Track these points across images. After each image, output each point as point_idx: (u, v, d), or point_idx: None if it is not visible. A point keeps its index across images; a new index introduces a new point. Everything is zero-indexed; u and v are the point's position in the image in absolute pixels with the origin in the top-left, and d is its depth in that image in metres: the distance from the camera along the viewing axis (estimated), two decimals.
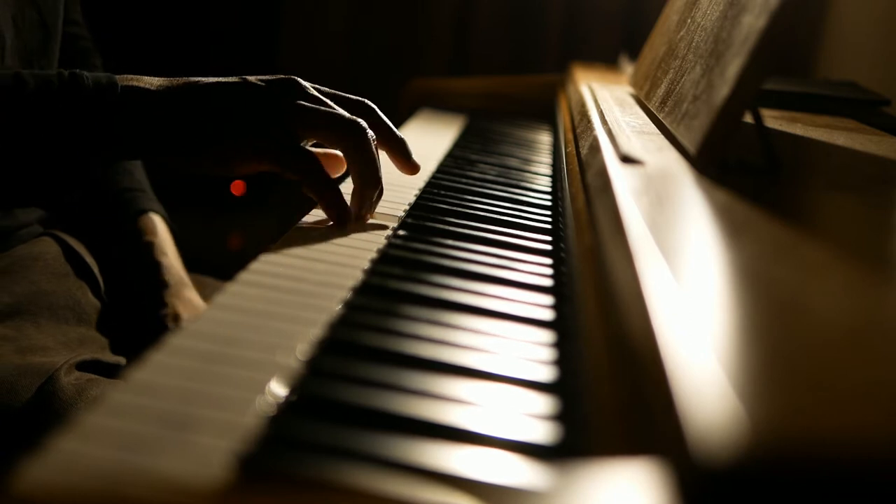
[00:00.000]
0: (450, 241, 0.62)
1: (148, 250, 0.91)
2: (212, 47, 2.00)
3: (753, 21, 0.55)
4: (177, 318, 0.86)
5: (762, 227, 0.46)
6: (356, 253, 0.58)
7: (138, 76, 0.62)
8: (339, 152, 0.66)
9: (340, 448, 0.34)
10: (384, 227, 0.64)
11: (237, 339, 0.42)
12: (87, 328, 0.80)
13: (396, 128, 0.69)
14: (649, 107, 0.81)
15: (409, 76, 1.48)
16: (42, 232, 0.85)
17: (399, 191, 0.75)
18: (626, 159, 0.58)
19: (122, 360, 0.77)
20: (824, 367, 0.29)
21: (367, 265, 0.55)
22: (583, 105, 0.91)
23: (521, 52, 1.90)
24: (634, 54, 1.19)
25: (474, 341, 0.45)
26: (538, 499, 0.30)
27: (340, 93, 0.66)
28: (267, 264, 0.53)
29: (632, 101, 0.93)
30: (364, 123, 0.62)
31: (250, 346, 0.42)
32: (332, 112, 0.62)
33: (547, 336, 0.47)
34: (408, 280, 0.53)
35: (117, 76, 0.61)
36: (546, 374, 0.42)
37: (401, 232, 0.64)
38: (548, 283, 0.56)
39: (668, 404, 0.27)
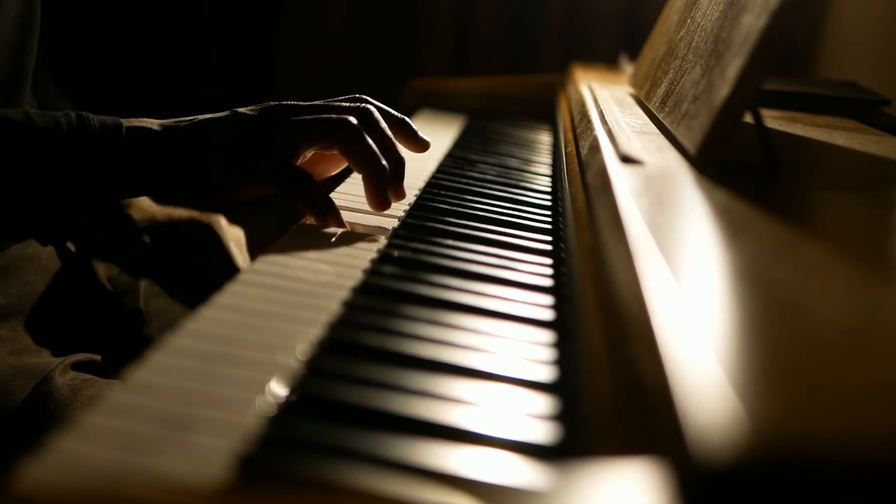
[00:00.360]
0: (450, 241, 0.62)
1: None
2: (212, 47, 2.00)
3: (753, 21, 0.55)
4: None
5: (762, 227, 0.46)
6: (356, 253, 0.58)
7: (140, 118, 0.65)
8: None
9: (340, 448, 0.34)
10: (384, 228, 0.64)
11: (237, 339, 0.42)
12: (82, 328, 0.80)
13: None
14: (649, 107, 0.81)
15: (409, 76, 1.48)
16: None
17: None
18: (626, 159, 0.58)
19: (117, 360, 0.77)
20: (824, 367, 0.29)
21: (367, 265, 0.55)
22: (583, 105, 0.91)
23: (521, 52, 1.90)
24: (634, 54, 1.19)
25: (474, 341, 0.45)
26: (538, 499, 0.30)
27: (332, 101, 0.67)
28: (267, 264, 0.53)
29: (632, 101, 0.93)
30: (352, 119, 0.64)
31: (250, 346, 0.42)
32: (315, 120, 0.64)
33: (547, 336, 0.47)
34: (408, 280, 0.53)
35: (122, 119, 0.64)
36: (546, 374, 0.42)
37: (401, 232, 0.64)
38: (548, 283, 0.56)
39: (667, 404, 0.27)
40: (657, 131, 0.71)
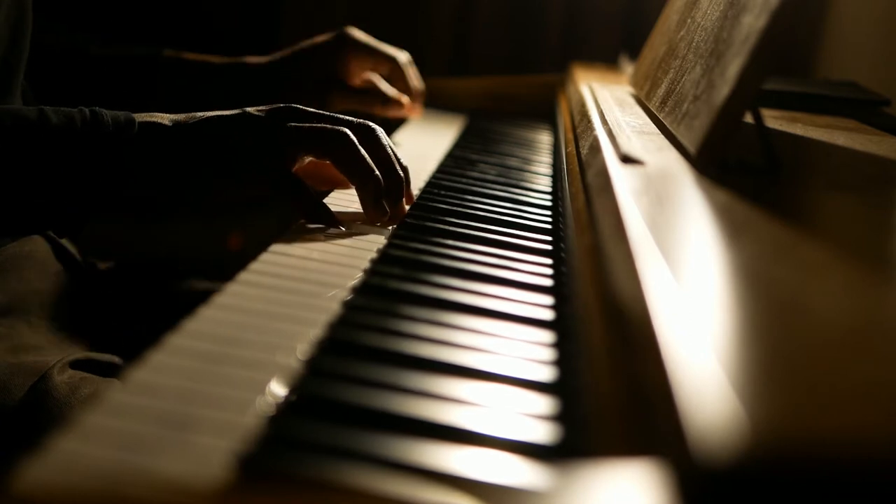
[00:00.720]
0: (450, 241, 0.62)
1: None
2: (212, 47, 2.00)
3: (753, 21, 0.55)
4: None
5: (762, 227, 0.46)
6: (356, 253, 0.58)
7: (151, 113, 0.65)
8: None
9: (340, 448, 0.34)
10: (384, 228, 0.64)
11: (237, 339, 0.42)
12: (80, 326, 0.80)
13: (396, 128, 0.70)
14: (649, 107, 0.81)
15: None
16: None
17: None
18: (627, 159, 0.58)
19: (115, 358, 0.77)
20: (824, 367, 0.29)
21: (367, 265, 0.55)
22: (583, 105, 0.91)
23: (521, 52, 1.90)
24: (634, 54, 1.19)
25: (474, 341, 0.45)
26: (538, 499, 0.30)
27: (338, 115, 0.68)
28: (267, 264, 0.53)
29: (632, 101, 0.93)
30: (346, 131, 0.64)
31: (250, 346, 0.42)
32: (311, 128, 0.65)
33: (547, 336, 0.47)
34: (408, 280, 0.53)
35: (134, 114, 0.64)
36: (546, 374, 0.42)
37: (401, 232, 0.64)
38: (548, 283, 0.56)
39: (668, 404, 0.27)
40: (657, 131, 0.71)
